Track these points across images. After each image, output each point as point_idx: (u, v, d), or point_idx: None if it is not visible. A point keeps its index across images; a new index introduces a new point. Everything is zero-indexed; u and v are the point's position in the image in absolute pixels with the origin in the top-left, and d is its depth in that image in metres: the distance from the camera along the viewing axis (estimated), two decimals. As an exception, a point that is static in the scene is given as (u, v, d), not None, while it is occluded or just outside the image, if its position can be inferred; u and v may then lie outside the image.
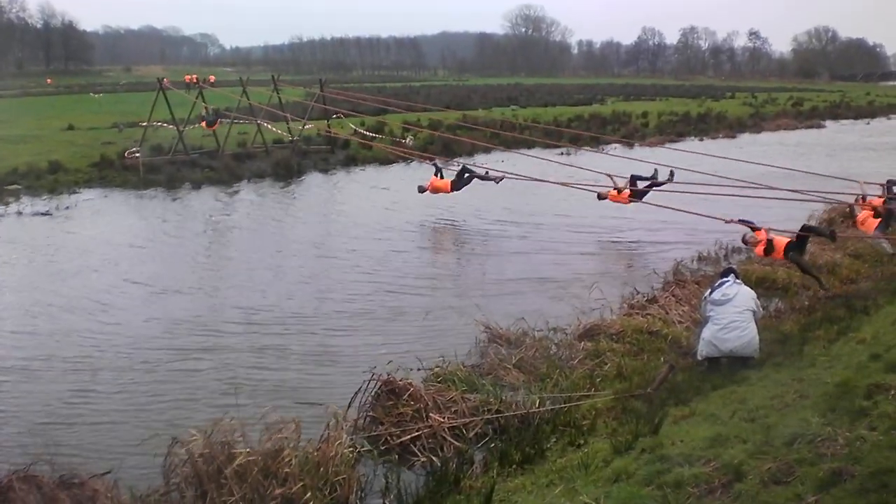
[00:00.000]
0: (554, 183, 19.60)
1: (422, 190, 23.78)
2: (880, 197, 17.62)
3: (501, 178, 22.45)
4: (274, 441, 8.26)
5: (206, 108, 37.98)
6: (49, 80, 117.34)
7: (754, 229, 15.04)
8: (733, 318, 10.46)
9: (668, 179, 20.05)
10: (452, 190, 23.25)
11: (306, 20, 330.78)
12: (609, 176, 20.81)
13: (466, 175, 23.39)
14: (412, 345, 13.05)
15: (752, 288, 11.59)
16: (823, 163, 34.20)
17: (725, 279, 11.02)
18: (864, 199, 17.77)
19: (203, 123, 37.31)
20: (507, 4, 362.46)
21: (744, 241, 15.44)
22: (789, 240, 14.47)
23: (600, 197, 20.76)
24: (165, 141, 36.10)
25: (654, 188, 20.15)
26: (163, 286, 17.24)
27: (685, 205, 17.42)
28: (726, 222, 15.64)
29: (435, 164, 24.11)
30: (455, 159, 30.94)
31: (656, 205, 18.60)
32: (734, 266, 13.21)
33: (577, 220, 23.00)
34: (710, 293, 10.93)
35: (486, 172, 23.56)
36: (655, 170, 20.78)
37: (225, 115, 41.00)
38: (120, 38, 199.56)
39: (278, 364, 12.62)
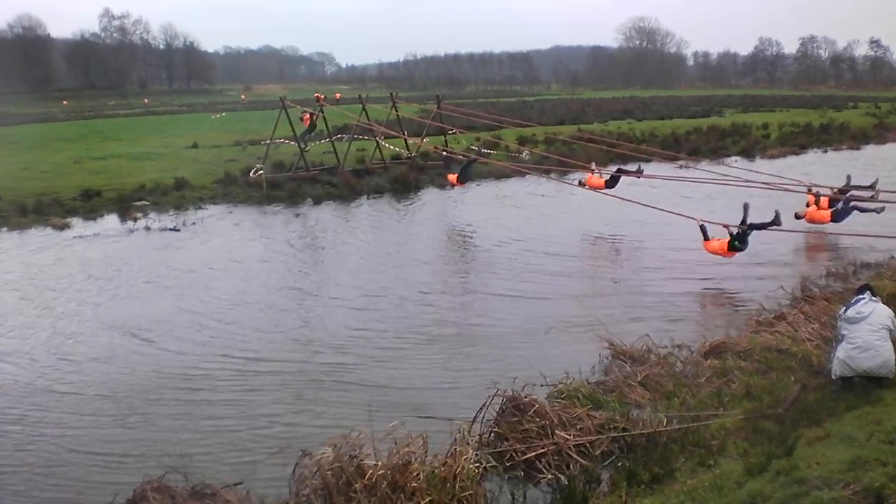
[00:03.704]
0: (535, 174, 19.82)
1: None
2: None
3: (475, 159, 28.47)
4: (402, 455, 8.36)
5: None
6: (146, 101, 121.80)
7: (705, 238, 17.89)
8: (868, 336, 10.07)
9: (637, 170, 23.58)
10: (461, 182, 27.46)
11: (419, 37, 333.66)
12: (591, 165, 25.04)
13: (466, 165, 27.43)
14: (531, 362, 12.87)
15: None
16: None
17: (861, 296, 10.61)
18: (816, 195, 20.75)
19: (306, 117, 37.16)
20: (620, 17, 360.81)
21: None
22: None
23: (580, 184, 24.43)
24: (287, 158, 37.08)
25: (624, 174, 23.82)
26: (284, 301, 17.72)
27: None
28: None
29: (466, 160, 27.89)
30: (572, 174, 30.88)
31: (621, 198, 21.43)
32: (869, 283, 12.74)
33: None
34: (845, 311, 10.55)
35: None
36: (639, 166, 24.12)
37: (347, 132, 41.60)
38: (240, 57, 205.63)
39: (400, 379, 12.78)
